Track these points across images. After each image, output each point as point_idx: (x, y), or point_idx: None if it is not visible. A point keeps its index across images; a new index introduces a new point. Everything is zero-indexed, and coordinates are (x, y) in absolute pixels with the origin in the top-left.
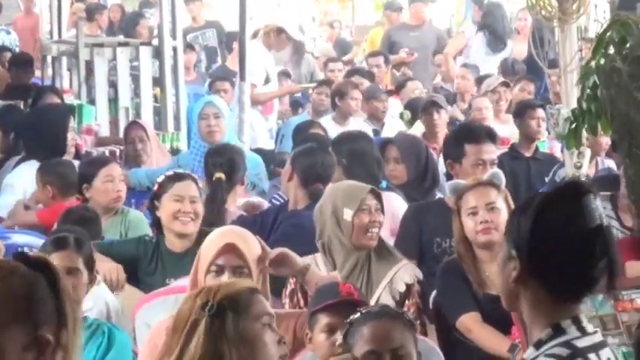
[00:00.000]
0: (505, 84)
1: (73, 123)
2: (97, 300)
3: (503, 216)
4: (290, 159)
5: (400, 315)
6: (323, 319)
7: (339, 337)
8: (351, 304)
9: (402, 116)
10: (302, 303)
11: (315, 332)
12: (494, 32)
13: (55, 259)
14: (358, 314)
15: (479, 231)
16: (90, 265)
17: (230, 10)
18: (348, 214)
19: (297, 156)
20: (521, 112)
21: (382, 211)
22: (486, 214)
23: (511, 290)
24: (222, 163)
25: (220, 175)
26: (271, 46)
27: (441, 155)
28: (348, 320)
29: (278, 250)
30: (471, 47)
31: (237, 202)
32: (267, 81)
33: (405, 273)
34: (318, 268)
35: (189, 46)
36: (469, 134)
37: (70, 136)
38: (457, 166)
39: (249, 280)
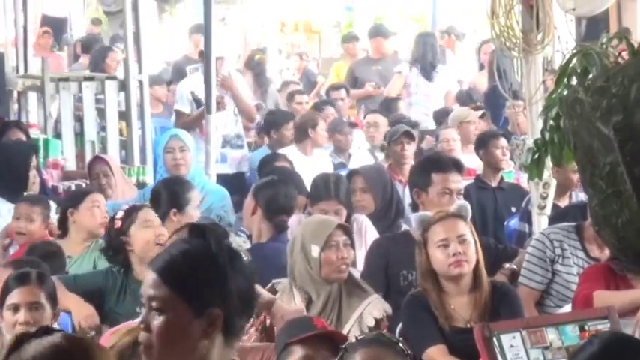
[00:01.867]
0: (480, 115)
1: (35, 161)
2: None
3: (472, 248)
4: (252, 192)
5: (393, 343)
6: (298, 352)
7: None
8: (325, 337)
9: (382, 149)
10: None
11: None
12: (422, 61)
13: (18, 295)
14: (354, 340)
15: (451, 263)
16: (53, 299)
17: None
18: (315, 250)
19: (259, 189)
20: (484, 142)
21: (352, 245)
22: (458, 246)
23: None
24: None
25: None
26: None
27: (407, 187)
28: (344, 345)
29: None
30: (410, 85)
31: None
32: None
33: (374, 308)
34: (293, 293)
35: (157, 81)
36: (436, 164)
37: (32, 174)
38: (424, 195)
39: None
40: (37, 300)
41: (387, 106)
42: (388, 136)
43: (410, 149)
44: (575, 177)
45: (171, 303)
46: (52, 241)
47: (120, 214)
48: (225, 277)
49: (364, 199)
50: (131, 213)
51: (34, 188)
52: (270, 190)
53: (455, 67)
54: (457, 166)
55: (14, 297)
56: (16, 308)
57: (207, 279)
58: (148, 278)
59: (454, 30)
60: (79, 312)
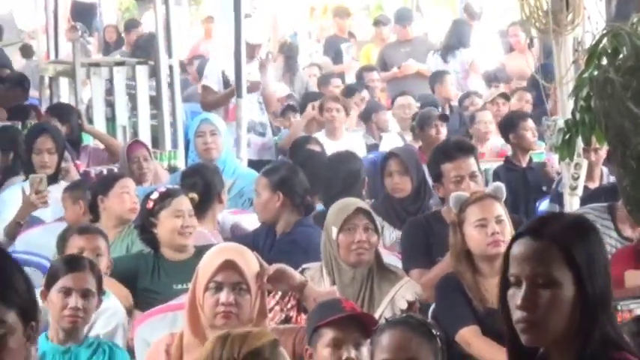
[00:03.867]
0: (504, 95)
1: (45, 144)
2: (116, 312)
3: (508, 229)
4: (267, 186)
5: (421, 325)
6: (328, 334)
7: (344, 352)
8: (355, 320)
9: (412, 129)
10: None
11: (318, 347)
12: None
13: (71, 280)
14: (384, 322)
15: (489, 243)
16: (100, 287)
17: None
18: (334, 232)
19: (272, 177)
20: (513, 124)
21: (375, 229)
22: (496, 226)
23: None
24: (197, 183)
25: (193, 195)
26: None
27: None
28: (376, 327)
29: (276, 266)
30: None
31: (215, 220)
32: None
33: (406, 291)
34: (323, 278)
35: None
36: (442, 153)
37: (39, 158)
38: (441, 187)
39: (269, 333)
40: (88, 287)
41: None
42: (419, 119)
43: (444, 132)
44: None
45: None
46: (93, 226)
47: (155, 195)
48: None
49: (402, 182)
50: (165, 197)
51: (44, 172)
52: (286, 174)
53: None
54: (463, 149)
55: (67, 281)
56: (67, 292)
57: None
58: None
59: (470, 9)
60: (118, 293)
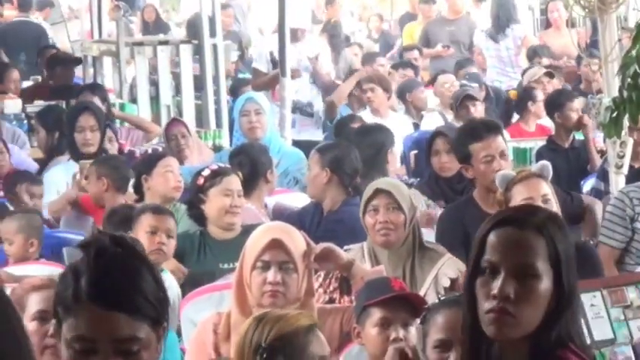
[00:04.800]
0: (549, 74)
1: (87, 121)
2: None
3: (555, 208)
4: (318, 162)
5: None
6: (376, 314)
7: (392, 332)
8: (403, 299)
9: (452, 107)
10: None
11: (366, 326)
12: (495, 23)
13: None
14: (437, 301)
15: None
16: None
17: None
18: (361, 213)
19: (325, 155)
20: (559, 103)
21: (400, 208)
22: (542, 205)
23: None
24: (243, 162)
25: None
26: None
27: None
28: (427, 306)
29: (323, 245)
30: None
31: (262, 200)
32: None
33: (448, 268)
34: (364, 259)
35: None
36: (470, 133)
37: (82, 135)
38: (470, 168)
39: (309, 315)
40: None
41: (460, 66)
42: (453, 100)
43: (477, 110)
44: None
45: None
46: (132, 204)
47: (206, 172)
48: None
49: (449, 160)
50: (216, 175)
51: (87, 150)
52: (338, 153)
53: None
54: (492, 128)
55: None
56: None
57: None
58: None
59: None
60: (166, 265)
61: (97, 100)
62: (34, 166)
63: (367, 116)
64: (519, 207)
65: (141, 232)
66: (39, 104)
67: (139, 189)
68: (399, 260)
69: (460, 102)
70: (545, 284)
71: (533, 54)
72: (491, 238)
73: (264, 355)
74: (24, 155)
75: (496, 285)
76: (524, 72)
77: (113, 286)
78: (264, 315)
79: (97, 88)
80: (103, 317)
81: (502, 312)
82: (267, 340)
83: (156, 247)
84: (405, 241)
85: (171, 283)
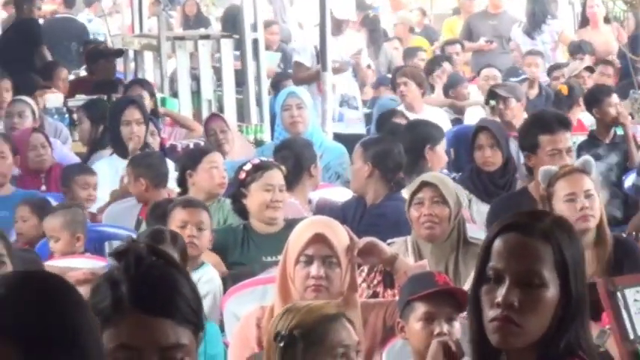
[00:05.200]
0: (589, 69)
1: (132, 115)
2: (210, 280)
3: (597, 203)
4: (361, 155)
5: None
6: (420, 308)
7: (436, 326)
8: (447, 294)
9: (487, 102)
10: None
11: (410, 321)
12: (530, 19)
13: None
14: None
15: (578, 218)
16: (184, 259)
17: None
18: (407, 206)
19: (369, 149)
20: (597, 99)
21: (445, 202)
22: (585, 200)
23: None
24: (287, 157)
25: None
26: None
27: None
28: None
29: (366, 239)
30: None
31: (306, 194)
32: None
33: None
34: (407, 253)
35: None
36: (542, 125)
37: (128, 129)
38: (533, 157)
39: (335, 305)
40: None
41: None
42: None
43: (511, 108)
44: None
45: None
46: (173, 199)
47: (248, 167)
48: None
49: (493, 155)
50: (257, 170)
51: (133, 145)
52: (382, 147)
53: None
54: (563, 123)
55: None
56: None
57: None
58: None
59: None
60: (208, 261)
61: (145, 95)
62: (75, 160)
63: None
64: (526, 212)
65: (173, 227)
66: (80, 98)
67: (183, 183)
68: (443, 254)
69: (491, 98)
70: (552, 292)
71: (577, 50)
72: (497, 244)
73: (282, 343)
74: (66, 149)
75: (500, 293)
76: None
77: (156, 292)
78: (293, 305)
79: (145, 83)
80: (149, 324)
81: (506, 320)
82: (287, 328)
83: (187, 240)
84: (450, 235)
85: (212, 276)
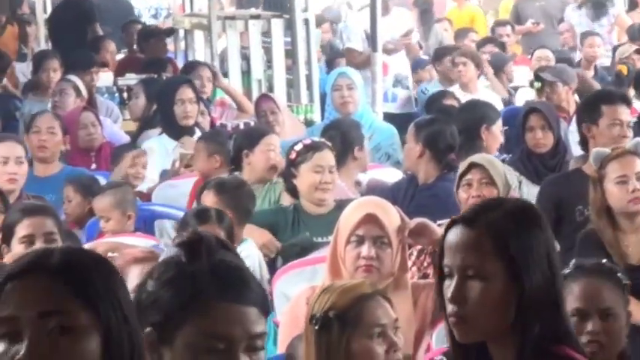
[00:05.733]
0: (639, 51)
1: (186, 94)
2: (248, 256)
3: None
4: (413, 135)
5: (613, 273)
6: None
7: None
8: None
9: (532, 85)
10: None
11: None
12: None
13: None
14: (572, 268)
15: (630, 200)
16: (231, 237)
17: None
18: (455, 188)
19: (421, 130)
20: None
21: (493, 183)
22: (637, 183)
23: None
24: (334, 137)
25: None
26: None
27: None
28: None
29: (417, 220)
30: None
31: (352, 176)
32: None
33: None
34: None
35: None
36: (605, 96)
37: (182, 108)
38: (594, 128)
39: (370, 284)
40: None
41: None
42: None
43: (557, 92)
44: None
45: None
46: (236, 175)
47: (299, 147)
48: None
49: (544, 137)
50: (308, 150)
51: (186, 122)
52: (435, 128)
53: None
54: (625, 100)
55: None
56: None
57: None
58: None
59: None
60: (259, 238)
61: (207, 72)
62: (125, 139)
63: (457, 92)
64: (480, 203)
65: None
66: (130, 77)
67: (237, 162)
68: None
69: (537, 80)
70: (499, 284)
71: (636, 34)
72: (446, 239)
73: (317, 325)
74: (116, 128)
75: (450, 289)
76: (614, 49)
77: (238, 281)
78: (329, 286)
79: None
80: (238, 312)
81: (457, 316)
82: (322, 310)
83: None
84: None
85: (251, 252)
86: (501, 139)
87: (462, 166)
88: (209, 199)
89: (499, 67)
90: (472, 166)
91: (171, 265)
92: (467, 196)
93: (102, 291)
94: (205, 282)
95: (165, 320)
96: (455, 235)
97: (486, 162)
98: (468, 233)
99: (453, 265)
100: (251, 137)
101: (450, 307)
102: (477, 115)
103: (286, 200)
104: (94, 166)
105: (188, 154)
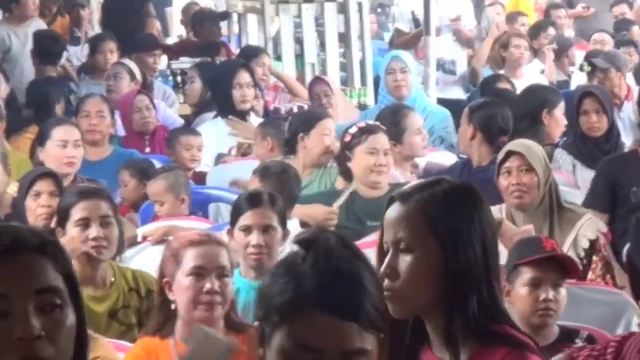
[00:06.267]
0: None
1: (244, 78)
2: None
3: None
4: (466, 117)
5: None
6: (527, 274)
7: (542, 292)
8: (555, 260)
9: (581, 68)
10: None
11: (516, 285)
12: None
13: (251, 217)
14: None
15: None
16: (283, 221)
17: None
18: (496, 176)
19: (474, 112)
20: None
21: (533, 169)
22: None
23: None
24: (391, 122)
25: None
26: None
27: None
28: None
29: None
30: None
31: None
32: None
33: (587, 229)
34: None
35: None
36: None
37: (240, 92)
38: None
39: None
40: (269, 223)
41: (618, 27)
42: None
43: (610, 78)
44: None
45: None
46: (285, 160)
47: (353, 129)
48: None
49: (599, 120)
50: (363, 133)
51: (244, 106)
52: (487, 111)
53: None
54: None
55: (247, 219)
56: (248, 230)
57: None
58: None
59: None
60: (317, 212)
61: (267, 59)
62: (180, 122)
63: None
64: (419, 182)
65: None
66: (184, 60)
67: (292, 145)
68: (536, 222)
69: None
70: (429, 260)
71: None
72: (384, 216)
73: None
74: (170, 111)
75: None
76: None
77: (344, 292)
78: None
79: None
80: (334, 327)
81: (389, 290)
82: None
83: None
84: (541, 202)
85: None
86: (564, 122)
87: (501, 153)
88: (254, 185)
89: (562, 51)
90: (510, 153)
91: (285, 263)
92: (507, 184)
93: (71, 270)
94: (307, 287)
95: (266, 318)
96: (390, 211)
97: (524, 149)
98: (401, 209)
99: (388, 241)
100: (307, 121)
101: (385, 282)
102: (538, 99)
103: (341, 185)
104: (147, 149)
105: (246, 142)
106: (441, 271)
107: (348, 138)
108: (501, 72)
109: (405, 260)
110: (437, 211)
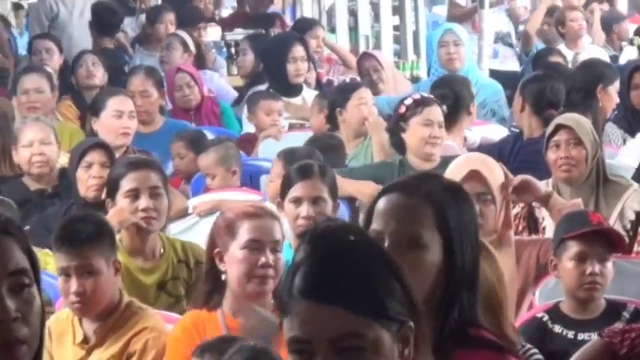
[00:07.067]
0: None
1: (298, 52)
2: None
3: None
4: (518, 89)
5: None
6: (573, 247)
7: (588, 266)
8: (601, 234)
9: (632, 42)
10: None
11: (563, 259)
12: None
13: (301, 188)
14: None
15: None
16: (334, 192)
17: None
18: (544, 149)
19: (525, 85)
20: None
21: (581, 143)
22: None
23: None
24: (446, 95)
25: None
26: None
27: None
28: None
29: (521, 176)
30: None
31: (462, 133)
32: None
33: (633, 201)
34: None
35: None
36: None
37: (294, 66)
38: None
39: None
40: (319, 195)
41: None
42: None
43: None
44: None
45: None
46: (333, 134)
47: (408, 101)
48: None
49: None
50: (418, 105)
51: (297, 80)
52: (537, 84)
53: None
54: None
55: (297, 190)
56: (298, 201)
57: None
58: None
59: None
60: (367, 189)
61: (321, 31)
62: (232, 94)
63: (564, 49)
64: (417, 174)
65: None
66: (238, 32)
67: (333, 120)
68: (582, 196)
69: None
70: (434, 256)
71: None
72: (378, 205)
73: None
74: (224, 82)
75: None
76: None
77: (330, 276)
78: None
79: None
80: (315, 312)
81: None
82: None
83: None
84: (589, 176)
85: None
86: (616, 99)
87: (550, 127)
88: (277, 169)
89: (610, 26)
90: (559, 127)
91: (296, 252)
92: (555, 157)
93: (30, 246)
94: (296, 279)
95: (278, 307)
96: (390, 201)
97: (573, 122)
98: (406, 201)
99: (386, 231)
100: (343, 94)
101: None
102: (595, 74)
103: (380, 155)
104: (193, 124)
105: (297, 123)
106: (443, 268)
107: (402, 109)
108: (560, 45)
109: (408, 254)
110: (446, 206)
